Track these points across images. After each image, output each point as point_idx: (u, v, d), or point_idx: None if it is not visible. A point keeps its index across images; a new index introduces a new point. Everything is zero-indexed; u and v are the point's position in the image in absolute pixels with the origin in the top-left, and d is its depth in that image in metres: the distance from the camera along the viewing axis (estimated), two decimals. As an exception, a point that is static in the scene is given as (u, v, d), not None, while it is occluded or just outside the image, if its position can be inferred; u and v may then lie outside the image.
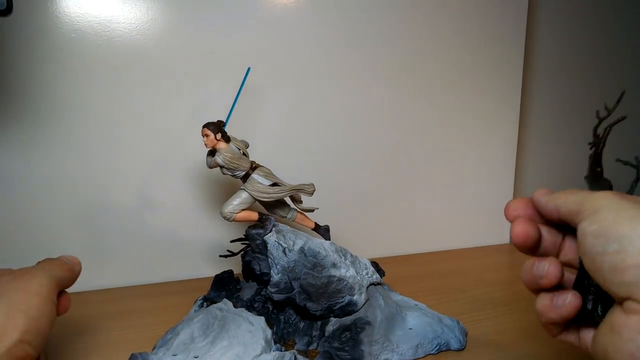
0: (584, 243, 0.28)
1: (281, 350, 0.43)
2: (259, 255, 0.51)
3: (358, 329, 0.45)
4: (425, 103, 0.77)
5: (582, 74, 0.96)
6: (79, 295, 0.63)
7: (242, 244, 0.55)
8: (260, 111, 0.68)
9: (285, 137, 0.71)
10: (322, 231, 0.54)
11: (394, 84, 0.75)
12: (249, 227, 0.52)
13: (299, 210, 0.54)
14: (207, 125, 0.47)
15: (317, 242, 0.50)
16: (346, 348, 0.44)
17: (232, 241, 0.56)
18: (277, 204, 0.53)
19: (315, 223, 0.54)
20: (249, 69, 0.51)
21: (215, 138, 0.47)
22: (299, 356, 0.43)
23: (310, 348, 0.46)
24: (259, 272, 0.51)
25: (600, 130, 0.81)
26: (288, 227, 0.52)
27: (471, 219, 0.85)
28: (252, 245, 0.52)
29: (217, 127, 0.48)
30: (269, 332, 0.44)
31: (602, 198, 0.29)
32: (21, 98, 0.59)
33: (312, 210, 0.53)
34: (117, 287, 0.66)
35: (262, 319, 0.46)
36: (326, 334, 0.46)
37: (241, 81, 0.50)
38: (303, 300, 0.46)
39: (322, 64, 0.70)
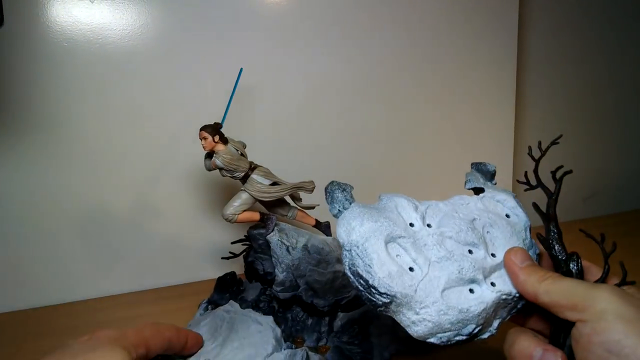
0: (586, 347, 0.28)
1: (292, 348, 0.44)
2: (262, 255, 0.51)
3: (366, 322, 0.46)
4: (423, 101, 0.78)
5: (578, 63, 0.96)
6: (85, 302, 0.64)
7: (242, 244, 0.55)
8: (256, 111, 0.68)
9: (282, 136, 0.70)
10: (323, 227, 0.54)
11: (393, 83, 0.75)
12: (251, 227, 0.52)
13: (298, 208, 0.54)
14: (205, 128, 0.47)
15: (320, 239, 0.50)
16: (356, 342, 0.44)
17: (232, 242, 0.56)
18: (278, 203, 0.53)
19: (316, 220, 0.54)
20: (241, 70, 0.51)
21: (213, 140, 0.47)
22: (310, 353, 0.43)
23: (320, 344, 0.46)
24: (262, 272, 0.51)
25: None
26: (289, 225, 0.52)
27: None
28: (254, 245, 0.52)
29: (215, 129, 0.47)
30: (278, 330, 0.44)
31: (605, 300, 0.28)
32: (16, 108, 0.58)
33: (312, 208, 0.53)
34: (120, 294, 0.65)
35: (270, 318, 0.46)
36: (335, 329, 0.46)
37: (234, 82, 0.50)
38: (310, 297, 0.46)
39: (316, 63, 0.70)
